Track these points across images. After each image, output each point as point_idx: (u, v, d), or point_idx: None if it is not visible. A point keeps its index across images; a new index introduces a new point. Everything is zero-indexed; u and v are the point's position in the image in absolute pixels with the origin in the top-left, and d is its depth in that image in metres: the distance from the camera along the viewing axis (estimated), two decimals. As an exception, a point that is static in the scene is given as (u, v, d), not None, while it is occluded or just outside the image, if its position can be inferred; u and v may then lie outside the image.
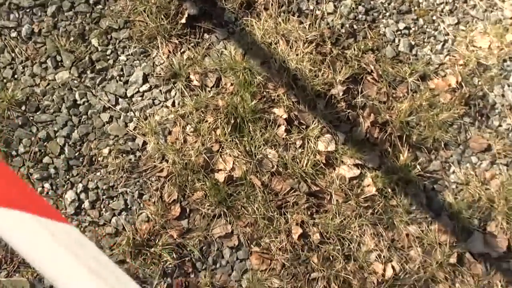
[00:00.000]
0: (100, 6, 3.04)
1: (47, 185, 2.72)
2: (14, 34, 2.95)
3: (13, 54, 2.91)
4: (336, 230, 2.73)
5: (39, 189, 2.69)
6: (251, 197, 2.75)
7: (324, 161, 2.82)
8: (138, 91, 2.92)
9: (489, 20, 3.12)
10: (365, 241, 2.74)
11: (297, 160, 2.82)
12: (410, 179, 2.83)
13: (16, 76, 2.89)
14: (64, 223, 0.95)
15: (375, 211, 2.78)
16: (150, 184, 2.78)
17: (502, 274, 2.73)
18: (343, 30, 3.06)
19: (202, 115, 2.85)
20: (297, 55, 2.94)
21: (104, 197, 2.77)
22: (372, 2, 3.17)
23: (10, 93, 2.82)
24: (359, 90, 2.96)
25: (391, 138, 2.88)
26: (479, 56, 3.02)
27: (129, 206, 2.76)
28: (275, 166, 2.80)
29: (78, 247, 0.91)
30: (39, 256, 0.88)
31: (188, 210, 2.76)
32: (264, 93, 2.90)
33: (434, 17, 3.13)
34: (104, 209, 2.74)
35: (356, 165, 2.84)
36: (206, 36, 3.01)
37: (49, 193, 2.70)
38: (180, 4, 3.01)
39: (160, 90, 2.91)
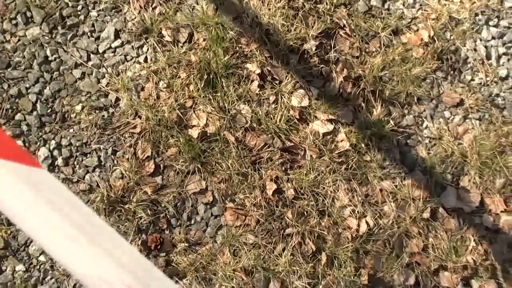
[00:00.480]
0: (70, -39, 2.74)
1: (19, 142, 2.50)
2: (-18, -10, 2.68)
3: (-18, 10, 2.62)
4: (310, 186, 2.55)
5: (11, 147, 2.40)
6: (225, 153, 2.55)
7: (297, 117, 2.62)
8: (110, 47, 2.68)
9: None
10: (339, 197, 2.55)
11: (271, 115, 2.61)
12: (384, 134, 2.64)
13: (-14, 32, 2.63)
14: (35, 167, 0.85)
15: (349, 166, 2.59)
16: (124, 140, 2.57)
17: (474, 229, 2.57)
18: None
19: (175, 70, 2.62)
20: (269, 9, 2.71)
21: (77, 154, 2.55)
22: (343, -44, 2.88)
23: (-20, 49, 2.57)
24: (332, 45, 2.73)
25: (364, 93, 2.68)
26: (451, 10, 2.78)
27: (102, 163, 2.56)
28: (249, 122, 2.59)
29: (49, 190, 0.82)
30: (6, 200, 0.80)
31: (162, 166, 2.56)
32: (237, 48, 2.67)
33: None
34: (77, 166, 2.53)
35: (330, 121, 2.63)
36: None
37: (21, 150, 2.42)
38: (151, -42, 2.72)
39: (132, 46, 2.67)
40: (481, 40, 2.79)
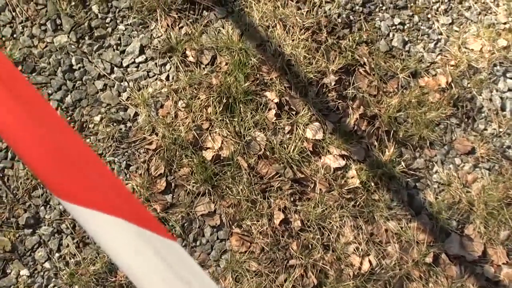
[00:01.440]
0: (103, -26, 2.62)
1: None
2: (15, -6, 2.56)
3: (13, 13, 2.50)
4: (317, 219, 2.41)
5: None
6: (236, 178, 2.41)
7: (311, 149, 2.48)
8: (134, 62, 2.54)
9: (482, 23, 2.72)
10: (345, 233, 2.41)
11: (285, 145, 2.47)
12: (394, 175, 2.50)
13: (15, 35, 2.49)
14: (168, 239, 0.82)
15: (357, 203, 2.45)
16: (138, 155, 2.43)
17: (475, 278, 2.44)
18: (339, 20, 2.65)
19: (195, 91, 2.48)
20: (293, 40, 2.57)
21: None
22: (369, -5, 2.77)
23: (8, 51, 2.44)
24: (351, 81, 2.59)
25: (378, 132, 2.54)
26: (470, 58, 2.64)
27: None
28: (263, 150, 2.45)
29: (179, 264, 0.80)
30: (137, 268, 0.78)
31: (173, 185, 2.41)
32: (258, 75, 2.53)
33: (429, 15, 2.72)
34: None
35: (342, 156, 2.49)
36: (205, 13, 2.60)
37: (37, 156, 2.27)
38: (183, -21, 2.60)
39: (156, 63, 2.53)
40: (497, 90, 2.65)
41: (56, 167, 0.80)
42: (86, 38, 2.51)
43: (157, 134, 2.41)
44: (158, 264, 0.78)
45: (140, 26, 2.55)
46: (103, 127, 2.41)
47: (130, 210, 0.82)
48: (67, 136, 0.83)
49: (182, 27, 2.55)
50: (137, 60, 2.52)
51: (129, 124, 2.44)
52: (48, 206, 2.32)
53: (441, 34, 2.70)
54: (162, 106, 2.46)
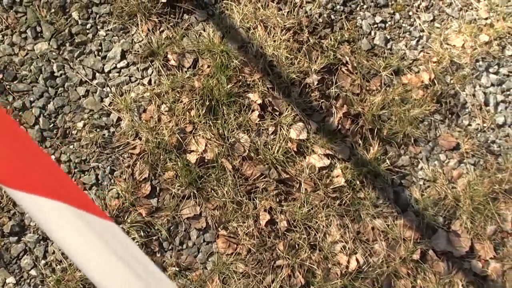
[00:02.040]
0: (83, -20, 2.65)
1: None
2: (-6, 3, 2.59)
3: (-7, 22, 2.54)
4: (303, 219, 2.44)
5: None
6: (221, 180, 2.44)
7: (295, 149, 2.51)
8: (116, 67, 2.58)
9: (464, 19, 2.77)
10: (331, 232, 2.44)
11: (269, 146, 2.50)
12: (379, 173, 2.54)
13: (-5, 44, 2.53)
14: (103, 219, 0.86)
15: (343, 202, 2.48)
16: (122, 160, 2.46)
17: (463, 274, 2.47)
18: (320, 20, 2.69)
19: (178, 95, 2.52)
20: (274, 41, 2.61)
21: (76, 170, 2.44)
22: (350, -6, 2.81)
23: (-12, 60, 2.47)
24: (334, 80, 2.63)
25: (362, 130, 2.58)
26: (452, 55, 2.69)
27: (100, 181, 2.45)
28: (247, 151, 2.48)
29: (116, 243, 0.83)
30: (75, 248, 0.81)
31: (158, 189, 2.45)
32: (240, 77, 2.56)
33: (410, 13, 2.77)
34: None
35: (327, 155, 2.52)
36: (185, 16, 2.64)
37: (20, 164, 2.30)
38: (162, -17, 2.63)
39: (137, 68, 2.57)
40: (480, 86, 2.69)
41: None
42: (67, 44, 2.54)
43: (140, 139, 2.44)
44: (99, 245, 0.81)
45: (121, 31, 2.59)
46: (86, 133, 2.44)
47: (67, 193, 0.84)
48: (2, 121, 0.85)
49: (163, 31, 2.59)
50: (118, 65, 2.55)
51: (112, 130, 2.47)
52: (33, 214, 2.34)
53: (422, 31, 2.74)
54: (145, 111, 2.49)
